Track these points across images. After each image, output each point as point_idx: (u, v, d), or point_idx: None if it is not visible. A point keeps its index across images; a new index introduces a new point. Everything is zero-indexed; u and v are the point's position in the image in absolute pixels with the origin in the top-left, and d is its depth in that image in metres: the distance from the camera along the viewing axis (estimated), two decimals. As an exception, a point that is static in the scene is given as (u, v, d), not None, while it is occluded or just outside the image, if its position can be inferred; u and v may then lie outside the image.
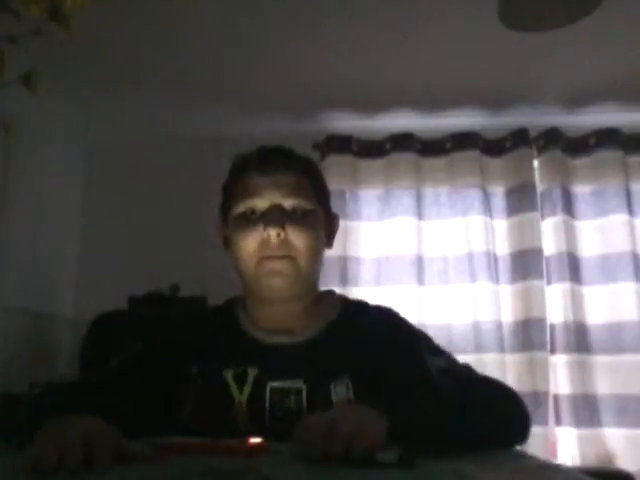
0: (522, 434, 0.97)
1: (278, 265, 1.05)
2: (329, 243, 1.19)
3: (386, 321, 1.14)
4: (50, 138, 2.64)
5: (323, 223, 1.15)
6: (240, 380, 1.03)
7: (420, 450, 0.72)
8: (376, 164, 2.86)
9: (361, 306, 1.19)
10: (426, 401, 0.89)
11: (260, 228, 1.05)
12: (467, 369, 1.06)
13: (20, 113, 2.26)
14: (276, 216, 1.05)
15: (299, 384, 1.01)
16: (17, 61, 0.93)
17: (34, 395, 1.06)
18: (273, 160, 1.10)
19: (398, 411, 0.82)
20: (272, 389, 1.01)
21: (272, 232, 1.03)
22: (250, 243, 1.06)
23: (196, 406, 1.04)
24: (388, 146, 2.84)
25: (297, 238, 1.06)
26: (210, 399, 1.04)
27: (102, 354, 1.24)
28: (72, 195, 2.87)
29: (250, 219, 1.07)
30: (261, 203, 1.07)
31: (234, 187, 1.12)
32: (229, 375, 1.04)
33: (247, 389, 1.02)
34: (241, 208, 1.08)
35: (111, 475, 0.68)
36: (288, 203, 1.07)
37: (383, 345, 1.07)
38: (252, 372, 1.03)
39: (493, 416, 0.92)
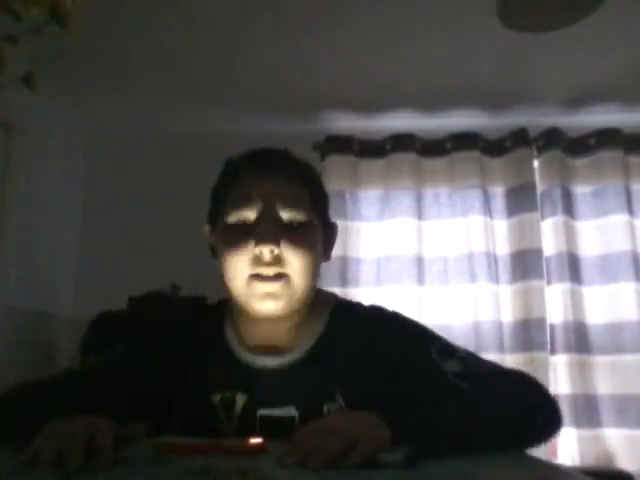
0: (550, 430, 0.92)
1: (271, 288, 0.96)
2: (327, 255, 1.09)
3: (385, 330, 1.03)
4: (50, 138, 2.64)
5: (321, 234, 1.05)
6: (228, 406, 0.97)
7: (433, 453, 0.72)
8: (376, 164, 2.86)
9: (354, 311, 1.08)
10: (437, 406, 0.85)
11: (252, 243, 0.95)
12: (485, 365, 0.98)
13: (20, 113, 2.26)
14: (270, 230, 0.95)
15: (291, 411, 0.95)
16: (17, 61, 0.93)
17: (4, 394, 0.97)
18: (268, 164, 1.01)
19: (405, 416, 0.80)
20: (262, 417, 0.96)
21: (265, 249, 0.94)
22: (240, 259, 0.96)
23: (182, 430, 0.99)
24: (388, 146, 2.84)
25: (292, 254, 0.96)
26: (196, 423, 0.99)
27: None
28: (72, 194, 2.87)
29: (241, 231, 0.97)
30: (253, 214, 0.97)
31: (224, 193, 1.03)
32: (216, 400, 0.98)
33: (236, 416, 0.97)
34: (231, 218, 0.99)
35: (110, 475, 0.68)
36: (284, 214, 0.98)
37: (381, 357, 0.98)
38: (241, 399, 0.97)
39: (514, 415, 0.87)
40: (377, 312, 1.08)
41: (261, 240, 0.95)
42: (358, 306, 1.11)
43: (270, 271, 0.96)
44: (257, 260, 0.96)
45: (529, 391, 0.94)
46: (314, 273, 1.02)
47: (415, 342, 1.01)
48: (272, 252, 0.95)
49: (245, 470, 0.67)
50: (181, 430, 1.00)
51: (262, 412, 0.96)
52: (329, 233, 1.10)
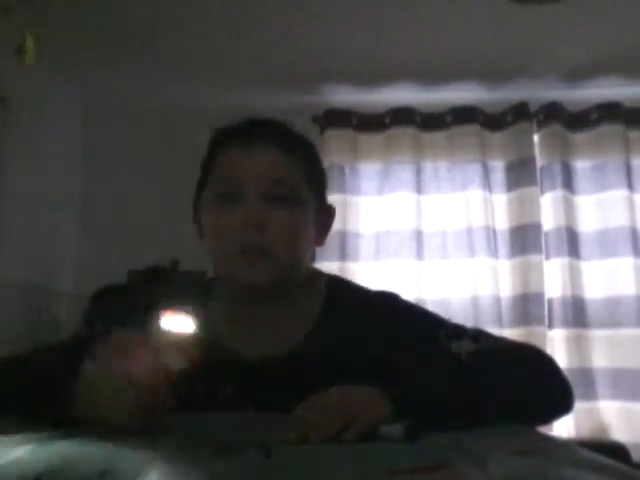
0: (561, 404, 0.92)
1: (254, 259, 0.90)
2: (320, 240, 1.02)
3: (387, 316, 0.98)
4: (48, 110, 2.61)
5: (314, 215, 0.98)
6: (213, 400, 0.91)
7: (443, 425, 0.72)
8: (376, 138, 2.84)
9: (352, 295, 1.02)
10: (442, 378, 0.83)
11: (238, 214, 0.90)
12: (498, 341, 0.97)
13: (17, 84, 2.24)
14: (257, 202, 0.90)
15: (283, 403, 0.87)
16: (14, 32, 0.91)
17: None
18: (260, 133, 0.95)
19: (410, 390, 0.79)
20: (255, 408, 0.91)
21: (251, 221, 0.89)
22: (225, 231, 0.91)
23: None
24: (388, 120, 2.82)
25: (279, 230, 0.91)
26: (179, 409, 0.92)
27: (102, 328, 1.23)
28: (71, 168, 2.86)
29: (226, 202, 0.92)
30: (240, 185, 0.92)
31: (210, 163, 0.97)
32: (201, 390, 0.92)
33: (223, 403, 0.92)
34: (216, 189, 0.94)
35: (108, 446, 0.68)
36: (278, 189, 0.92)
37: (382, 344, 0.93)
38: (229, 388, 0.91)
39: (526, 390, 0.86)
40: (378, 297, 1.02)
41: (248, 212, 0.90)
42: (357, 290, 1.04)
43: (253, 245, 0.90)
44: (242, 233, 0.90)
45: (543, 368, 0.93)
46: (302, 253, 0.96)
47: (421, 328, 0.97)
48: (259, 225, 0.90)
49: (248, 444, 0.67)
50: None
51: (250, 406, 0.90)
52: (325, 216, 1.02)
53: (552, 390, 0.92)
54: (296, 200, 0.94)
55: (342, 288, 1.04)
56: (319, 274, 1.06)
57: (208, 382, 0.91)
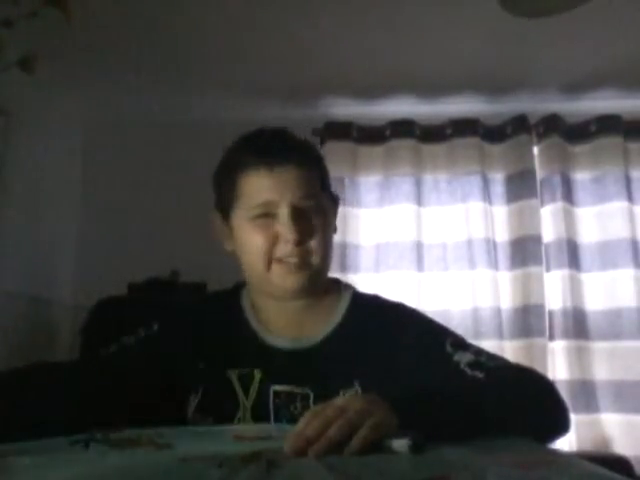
0: (558, 426, 0.93)
1: (293, 269, 1.01)
2: (335, 228, 1.14)
3: (401, 321, 1.07)
4: (49, 123, 2.63)
5: (332, 211, 1.11)
6: (245, 382, 1.00)
7: (442, 438, 0.72)
8: (376, 150, 2.85)
9: (373, 302, 1.13)
10: (449, 392, 0.85)
11: (273, 232, 1.00)
12: (497, 360, 1.01)
13: (19, 98, 2.25)
14: (294, 220, 0.99)
15: (306, 390, 0.98)
16: (16, 46, 0.92)
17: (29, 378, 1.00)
18: (279, 154, 1.02)
19: (416, 402, 0.79)
20: (276, 393, 0.99)
21: (286, 237, 0.99)
22: (263, 248, 1.00)
23: (201, 406, 1.02)
24: (388, 132, 2.83)
25: (313, 239, 1.02)
26: (215, 401, 1.02)
27: (102, 340, 1.24)
28: (71, 180, 2.86)
29: (262, 221, 1.01)
30: (274, 205, 1.00)
31: (237, 182, 1.03)
32: (234, 376, 1.01)
33: (253, 393, 1.00)
34: (252, 210, 1.01)
35: (109, 458, 0.68)
36: (304, 202, 1.01)
37: (399, 347, 1.02)
38: (258, 374, 1.00)
39: (525, 408, 0.88)
40: (396, 306, 1.12)
41: (288, 232, 0.99)
42: (378, 299, 1.14)
43: (294, 257, 1.00)
44: (282, 248, 1.00)
45: (541, 387, 0.97)
46: (330, 251, 1.07)
47: (430, 334, 1.05)
48: (299, 242, 0.99)
49: (251, 456, 0.66)
50: (199, 408, 1.03)
51: (276, 388, 0.99)
52: (334, 205, 1.14)
53: (550, 411, 0.94)
54: (318, 207, 1.04)
55: (364, 297, 1.14)
56: (346, 284, 1.18)
57: (245, 366, 1.01)
